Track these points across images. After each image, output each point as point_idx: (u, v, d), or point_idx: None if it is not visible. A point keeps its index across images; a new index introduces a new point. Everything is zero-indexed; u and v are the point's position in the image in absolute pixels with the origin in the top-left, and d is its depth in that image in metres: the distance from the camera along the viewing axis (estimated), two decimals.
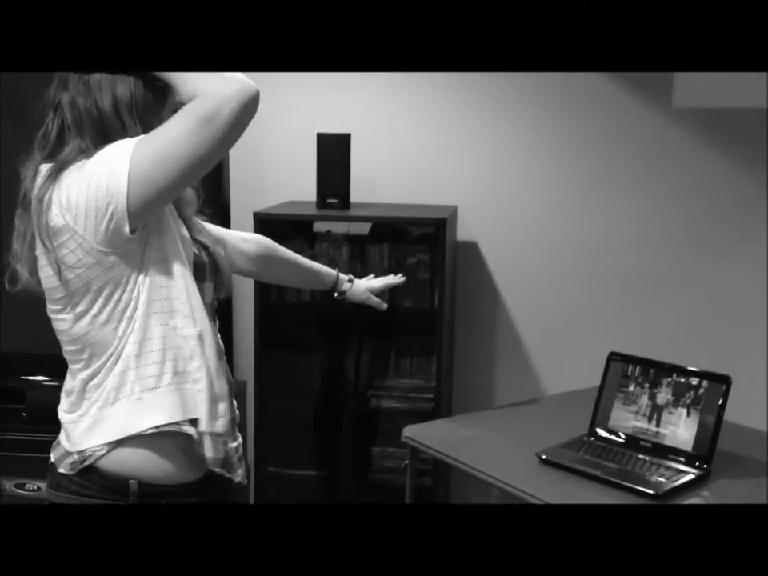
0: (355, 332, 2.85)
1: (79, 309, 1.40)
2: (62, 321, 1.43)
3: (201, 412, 1.44)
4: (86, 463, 1.42)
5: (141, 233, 1.37)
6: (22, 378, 2.71)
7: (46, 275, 1.40)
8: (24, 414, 2.70)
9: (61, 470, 1.46)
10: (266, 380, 2.72)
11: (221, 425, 1.47)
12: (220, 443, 1.47)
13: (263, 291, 2.69)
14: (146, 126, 1.37)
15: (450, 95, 2.87)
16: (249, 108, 1.34)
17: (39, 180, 1.37)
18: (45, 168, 1.38)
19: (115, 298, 1.39)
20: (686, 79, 2.72)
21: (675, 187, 2.80)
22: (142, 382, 1.40)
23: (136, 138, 1.34)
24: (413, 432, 2.16)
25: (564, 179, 2.86)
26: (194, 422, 1.43)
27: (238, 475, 1.53)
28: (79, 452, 1.44)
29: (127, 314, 1.40)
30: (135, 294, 1.40)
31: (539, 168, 2.86)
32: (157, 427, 1.40)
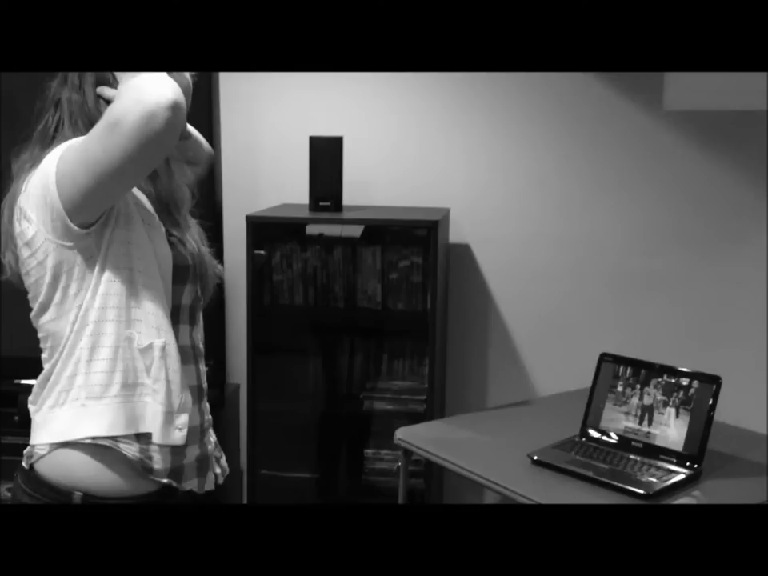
0: (347, 334, 2.85)
1: (41, 299, 1.40)
2: (32, 310, 1.44)
3: (154, 426, 1.40)
4: (32, 460, 1.41)
5: (97, 230, 1.36)
6: (15, 382, 2.70)
7: (16, 263, 1.42)
8: (16, 417, 2.69)
9: (22, 462, 1.45)
10: (259, 383, 2.72)
11: (179, 437, 1.42)
12: (176, 454, 1.43)
13: (256, 294, 2.69)
14: None
15: (442, 98, 2.88)
16: (154, 118, 1.22)
17: (33, 172, 1.38)
18: (28, 156, 1.41)
19: (71, 292, 1.39)
20: (676, 81, 2.74)
21: (666, 188, 2.82)
22: (88, 389, 1.38)
23: (75, 139, 1.35)
24: (405, 434, 2.17)
25: (556, 181, 2.87)
26: (145, 435, 1.40)
27: (193, 485, 1.48)
28: (30, 446, 1.43)
29: (80, 313, 1.38)
30: (89, 295, 1.38)
31: (531, 170, 2.87)
32: (93, 438, 1.38)
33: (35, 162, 1.39)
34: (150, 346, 1.41)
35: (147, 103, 1.23)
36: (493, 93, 2.86)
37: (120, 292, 1.39)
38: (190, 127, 1.66)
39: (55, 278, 1.38)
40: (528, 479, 1.88)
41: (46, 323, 1.42)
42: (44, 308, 1.41)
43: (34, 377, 2.56)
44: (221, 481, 1.55)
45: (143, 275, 1.41)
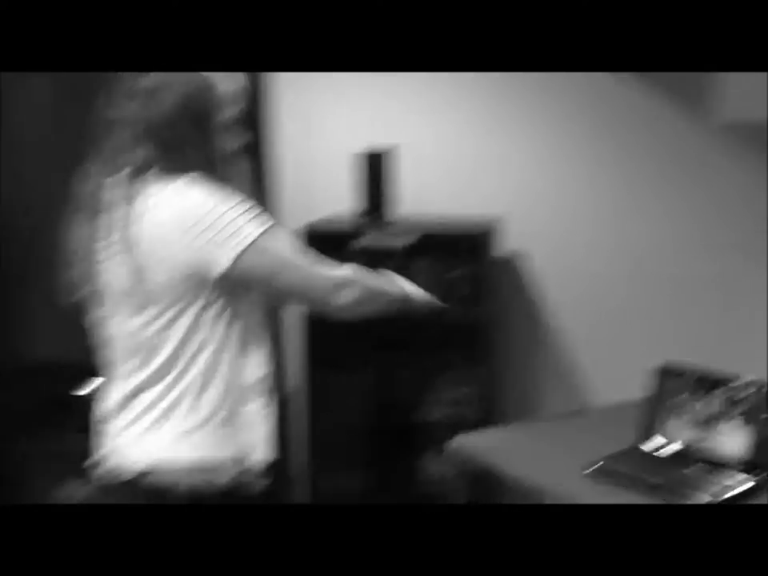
0: (400, 346, 2.85)
1: (147, 314, 1.43)
2: (122, 323, 1.46)
3: (255, 454, 1.50)
4: (123, 477, 1.46)
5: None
6: (70, 387, 2.76)
7: (117, 284, 1.44)
8: (73, 422, 2.75)
9: (97, 477, 1.51)
10: (316, 394, 2.74)
11: (269, 455, 1.53)
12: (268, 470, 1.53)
13: None
14: (199, 135, 1.42)
15: (494, 108, 2.88)
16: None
17: (118, 190, 1.41)
18: (118, 178, 1.43)
19: (188, 315, 1.43)
20: (732, 91, 2.70)
21: (723, 194, 2.78)
22: (192, 418, 1.44)
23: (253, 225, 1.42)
24: (460, 443, 2.16)
25: (609, 189, 2.85)
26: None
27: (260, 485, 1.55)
28: (116, 464, 1.48)
29: (195, 346, 1.43)
30: (209, 330, 1.44)
31: (584, 178, 2.86)
32: (191, 462, 1.44)
33: (110, 177, 1.44)
34: (260, 380, 1.50)
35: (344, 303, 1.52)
36: (546, 104, 2.85)
37: (236, 329, 1.46)
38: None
39: (187, 304, 1.42)
40: (585, 490, 1.85)
41: (148, 340, 1.45)
42: (157, 325, 1.44)
43: (86, 383, 2.65)
44: None
45: (255, 311, 1.51)
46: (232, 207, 1.40)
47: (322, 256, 1.70)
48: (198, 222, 1.37)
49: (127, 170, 1.43)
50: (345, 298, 1.51)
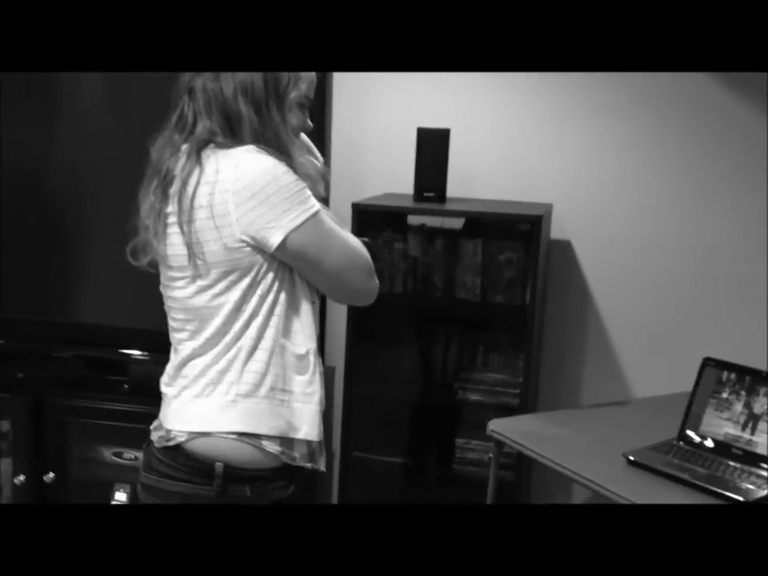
0: (444, 324, 2.88)
1: (201, 282, 1.47)
2: (179, 290, 1.51)
3: (309, 428, 1.51)
4: (170, 443, 1.49)
5: None
6: (124, 351, 2.83)
7: (174, 253, 1.49)
8: (126, 386, 2.83)
9: (152, 441, 1.54)
10: (356, 367, 2.78)
11: (317, 434, 1.54)
12: (312, 446, 1.54)
13: None
14: (260, 114, 1.45)
15: (547, 94, 2.86)
16: (369, 297, 1.61)
17: (182, 160, 1.45)
18: (183, 148, 1.47)
19: (241, 286, 1.46)
20: None
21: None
22: (239, 387, 1.47)
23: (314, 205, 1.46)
24: (498, 426, 2.18)
25: (662, 180, 2.82)
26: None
27: (321, 464, 1.58)
28: (167, 430, 1.52)
29: (245, 316, 1.46)
30: (257, 301, 1.46)
31: (637, 168, 2.83)
32: (238, 434, 1.46)
33: (175, 148, 1.47)
34: (306, 354, 1.51)
35: (372, 289, 1.57)
36: (599, 90, 2.82)
37: (283, 301, 1.48)
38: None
39: (240, 275, 1.45)
40: (621, 479, 1.87)
41: (202, 308, 1.48)
42: (210, 294, 1.47)
43: (142, 347, 2.73)
44: None
45: (304, 286, 1.52)
46: (288, 184, 1.42)
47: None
48: (255, 193, 1.39)
49: (192, 141, 1.46)
50: (375, 282, 1.57)
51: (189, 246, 1.44)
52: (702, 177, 2.79)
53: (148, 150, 1.51)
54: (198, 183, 1.42)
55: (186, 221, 1.43)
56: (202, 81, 1.46)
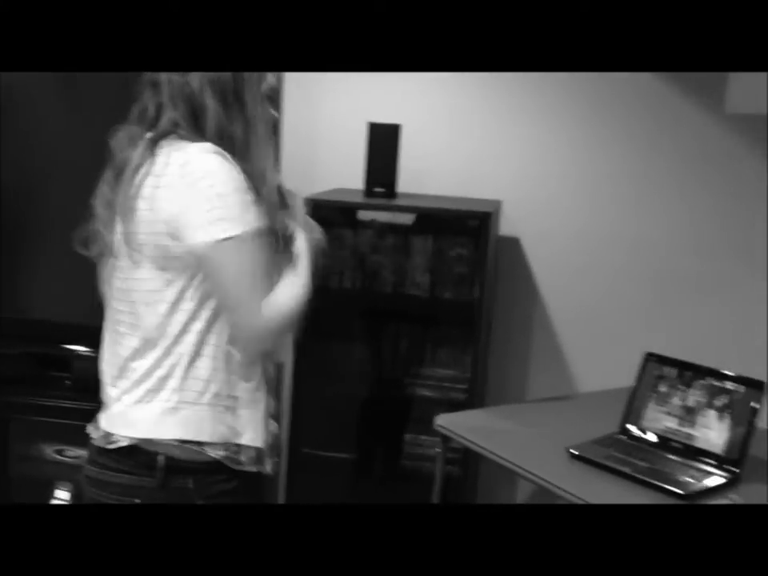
0: (394, 320, 2.89)
1: (138, 275, 1.45)
2: (120, 280, 1.49)
3: (252, 435, 1.50)
4: (112, 446, 1.48)
5: None
6: (67, 347, 2.78)
7: (120, 240, 1.47)
8: (68, 382, 2.78)
9: (93, 438, 1.53)
10: (304, 363, 2.77)
11: (271, 436, 1.54)
12: (260, 450, 1.53)
13: None
14: (227, 107, 1.44)
15: (499, 91, 2.89)
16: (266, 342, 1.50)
17: (138, 150, 1.43)
18: (143, 140, 1.45)
19: (186, 295, 1.44)
20: (739, 84, 2.70)
21: (718, 190, 2.79)
22: (181, 393, 1.45)
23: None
24: (445, 421, 2.19)
25: (608, 178, 2.86)
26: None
27: (268, 466, 1.56)
28: (106, 432, 1.50)
29: (186, 319, 1.44)
30: (197, 304, 1.44)
31: (583, 167, 2.87)
32: (180, 440, 1.45)
33: (134, 140, 1.45)
34: (253, 359, 1.49)
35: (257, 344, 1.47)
36: (549, 88, 2.86)
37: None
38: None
39: (176, 274, 1.43)
40: (565, 472, 1.89)
41: (139, 302, 1.46)
42: (146, 290, 1.45)
43: (85, 344, 2.68)
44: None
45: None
46: (229, 193, 1.39)
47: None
48: (193, 193, 1.38)
49: (153, 133, 1.45)
50: (258, 346, 1.48)
51: (127, 235, 1.43)
52: (649, 174, 2.84)
53: (107, 144, 1.49)
54: (146, 174, 1.41)
55: (127, 210, 1.42)
56: (167, 74, 1.45)
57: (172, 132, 1.43)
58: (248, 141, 1.45)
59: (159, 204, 1.40)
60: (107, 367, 1.55)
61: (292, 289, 1.48)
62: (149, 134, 1.45)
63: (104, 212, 1.47)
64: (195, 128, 1.43)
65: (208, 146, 1.41)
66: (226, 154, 1.42)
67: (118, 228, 1.45)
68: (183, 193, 1.38)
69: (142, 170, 1.41)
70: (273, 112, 1.56)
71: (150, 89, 1.47)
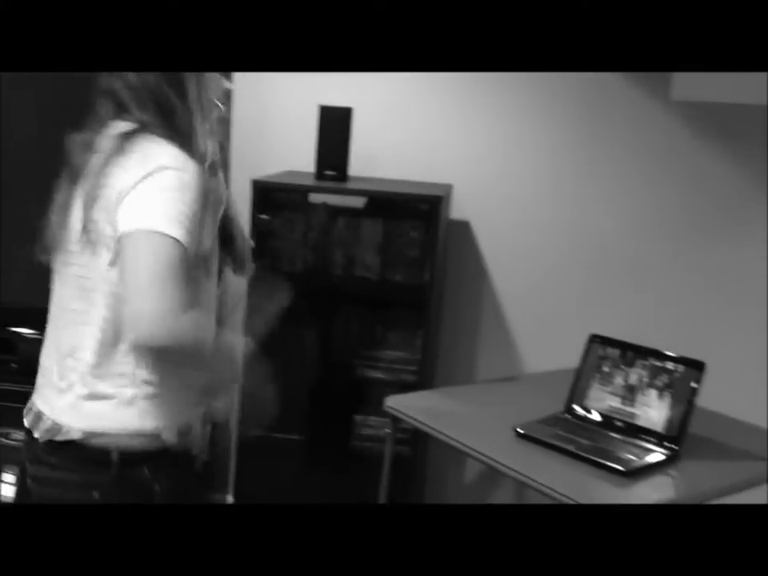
0: (344, 302, 2.90)
1: (98, 263, 1.44)
2: (73, 266, 1.48)
3: (198, 420, 1.52)
4: (60, 438, 1.46)
5: None
6: (12, 329, 2.74)
7: (73, 228, 1.46)
8: (14, 365, 2.74)
9: (36, 436, 1.49)
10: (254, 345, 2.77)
11: (219, 416, 1.57)
12: (208, 435, 1.56)
13: (256, 258, 2.73)
14: (183, 99, 1.45)
15: (451, 75, 2.91)
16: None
17: (98, 152, 1.43)
18: (102, 141, 1.45)
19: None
20: (683, 72, 2.76)
21: (661, 177, 2.86)
22: (133, 386, 1.45)
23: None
24: (394, 402, 2.22)
25: (555, 164, 2.91)
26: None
27: (201, 453, 1.57)
28: (54, 422, 1.48)
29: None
30: None
31: (531, 154, 2.91)
32: (135, 431, 1.45)
33: (90, 146, 1.45)
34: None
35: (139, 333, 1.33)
36: (498, 74, 2.88)
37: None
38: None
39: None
40: (511, 451, 1.93)
41: (90, 290, 1.45)
42: (95, 280, 1.44)
43: (30, 326, 2.64)
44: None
45: (205, 283, 1.50)
46: (184, 200, 1.37)
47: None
48: (155, 191, 1.37)
49: (112, 133, 1.44)
50: (142, 338, 1.34)
51: (85, 224, 1.42)
52: (594, 161, 2.89)
53: (63, 149, 1.48)
54: (114, 165, 1.40)
55: (89, 201, 1.41)
56: (121, 78, 1.45)
57: (135, 131, 1.43)
58: (190, 133, 1.45)
59: (120, 199, 1.39)
60: (52, 358, 1.52)
61: (199, 324, 1.42)
62: (117, 131, 1.44)
63: (59, 214, 1.47)
64: (156, 124, 1.43)
65: (158, 143, 1.41)
66: (178, 146, 1.42)
67: (75, 215, 1.45)
68: (144, 191, 1.37)
69: (110, 166, 1.40)
70: (226, 83, 1.56)
71: (105, 94, 1.47)
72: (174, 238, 1.33)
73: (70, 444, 1.45)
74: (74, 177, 1.46)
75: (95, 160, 1.43)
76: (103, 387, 1.45)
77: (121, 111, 1.46)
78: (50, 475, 1.47)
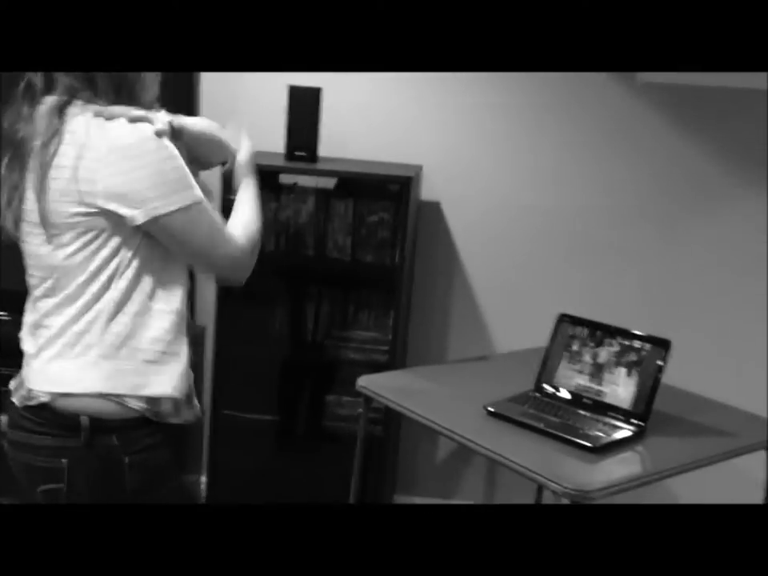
0: (316, 283, 2.91)
1: (56, 241, 1.44)
2: (35, 246, 1.47)
3: (166, 389, 1.51)
4: (32, 402, 1.48)
5: None
6: None
7: (30, 208, 1.45)
8: None
9: (13, 400, 1.52)
10: (226, 327, 2.77)
11: (181, 391, 1.54)
12: (178, 402, 1.54)
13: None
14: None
15: None
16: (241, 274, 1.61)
17: (41, 123, 1.41)
18: (40, 112, 1.42)
19: (104, 253, 1.43)
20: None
21: (632, 160, 2.89)
22: (100, 349, 1.46)
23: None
24: (367, 382, 2.23)
25: (527, 146, 2.93)
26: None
27: (188, 416, 1.58)
28: (28, 389, 1.50)
29: (106, 278, 1.44)
30: (124, 262, 1.44)
31: (504, 134, 2.93)
32: (101, 394, 1.46)
33: (27, 118, 1.43)
34: (174, 314, 1.50)
35: (243, 273, 1.59)
36: None
37: (152, 263, 1.47)
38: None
39: (97, 235, 1.42)
40: (482, 429, 1.96)
41: (58, 266, 1.45)
42: (64, 253, 1.44)
43: (3, 308, 2.62)
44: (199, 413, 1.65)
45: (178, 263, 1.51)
46: (170, 168, 1.40)
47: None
48: (131, 169, 1.37)
49: (50, 103, 1.42)
50: (242, 273, 1.58)
51: (41, 202, 1.41)
52: (566, 142, 2.91)
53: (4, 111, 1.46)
54: (61, 142, 1.39)
55: (42, 179, 1.40)
56: None
57: (71, 99, 1.41)
58: (138, 98, 1.47)
59: (86, 175, 1.38)
60: (25, 325, 1.54)
61: (249, 208, 1.59)
62: (49, 104, 1.42)
63: (9, 193, 1.46)
64: (92, 91, 1.42)
65: (130, 117, 1.40)
66: (148, 119, 1.41)
67: (29, 194, 1.43)
68: (118, 169, 1.37)
69: (56, 139, 1.39)
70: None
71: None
72: (198, 200, 1.44)
73: (43, 408, 1.47)
74: (19, 152, 1.44)
75: (41, 134, 1.41)
76: (68, 351, 1.46)
77: (50, 78, 1.44)
78: (24, 440, 1.49)
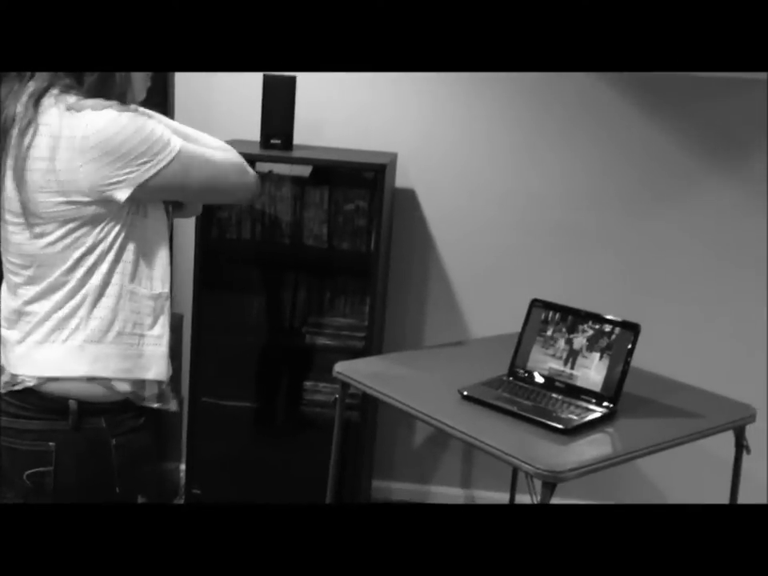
0: (292, 270, 2.92)
1: (37, 230, 1.45)
2: (15, 234, 1.48)
3: (159, 369, 1.54)
4: (18, 387, 1.49)
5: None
6: None
7: (9, 197, 1.45)
8: None
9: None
10: (203, 314, 2.78)
11: (165, 375, 1.57)
12: (162, 387, 1.57)
13: (203, 227, 2.74)
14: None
15: None
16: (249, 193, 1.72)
17: (20, 108, 1.41)
18: (24, 96, 1.42)
19: (83, 235, 1.44)
20: None
21: (606, 147, 2.93)
22: (85, 332, 1.47)
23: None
24: (344, 368, 2.26)
25: (502, 134, 2.95)
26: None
27: (172, 405, 1.61)
28: (12, 374, 1.51)
29: (89, 262, 1.45)
30: (105, 247, 1.45)
31: (479, 121, 2.95)
32: (88, 377, 1.48)
33: (17, 94, 1.43)
34: (157, 297, 1.52)
35: (247, 187, 1.67)
36: None
37: (133, 248, 1.48)
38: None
39: (81, 224, 1.43)
40: (457, 413, 1.99)
41: (38, 254, 1.46)
42: (46, 242, 1.45)
43: None
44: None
45: (159, 230, 1.52)
46: (144, 139, 1.41)
47: None
48: (107, 152, 1.39)
49: (32, 87, 1.42)
50: (248, 179, 1.64)
51: (22, 194, 1.41)
52: (541, 129, 2.94)
53: None
54: (36, 133, 1.40)
55: (21, 169, 1.40)
56: None
57: (51, 85, 1.42)
58: (123, 90, 1.47)
59: (65, 166, 1.39)
60: (4, 311, 1.54)
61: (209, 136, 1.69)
62: (29, 88, 1.43)
63: None
64: (76, 79, 1.43)
65: (103, 103, 1.41)
66: (111, 100, 1.43)
67: (8, 183, 1.44)
68: (95, 155, 1.38)
69: (31, 129, 1.40)
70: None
71: None
72: (170, 160, 1.45)
73: (28, 393, 1.48)
74: (2, 130, 1.44)
75: (17, 120, 1.42)
76: (54, 336, 1.47)
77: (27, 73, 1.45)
78: (8, 425, 1.50)
